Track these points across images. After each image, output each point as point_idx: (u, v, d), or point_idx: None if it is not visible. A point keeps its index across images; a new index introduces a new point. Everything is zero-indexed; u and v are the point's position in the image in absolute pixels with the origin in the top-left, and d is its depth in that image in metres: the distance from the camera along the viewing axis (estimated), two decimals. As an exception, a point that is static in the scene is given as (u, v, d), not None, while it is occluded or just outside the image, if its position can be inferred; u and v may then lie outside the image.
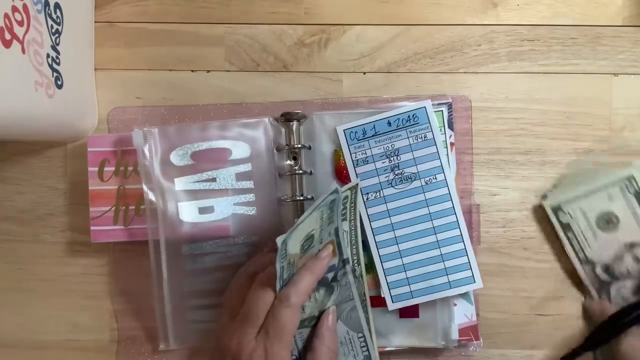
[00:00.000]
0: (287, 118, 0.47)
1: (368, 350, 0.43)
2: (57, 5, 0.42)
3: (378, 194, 0.45)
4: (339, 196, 0.42)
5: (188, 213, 0.46)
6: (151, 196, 0.45)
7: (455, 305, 0.46)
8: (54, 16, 0.42)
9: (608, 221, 0.45)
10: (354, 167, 0.46)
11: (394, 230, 0.45)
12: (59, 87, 0.42)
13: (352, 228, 0.44)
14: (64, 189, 0.50)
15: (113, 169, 0.46)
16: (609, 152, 0.48)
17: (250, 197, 0.46)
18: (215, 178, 0.46)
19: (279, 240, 0.40)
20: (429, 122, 0.45)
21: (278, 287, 0.38)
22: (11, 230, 0.50)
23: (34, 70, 0.39)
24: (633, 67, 0.48)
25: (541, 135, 0.49)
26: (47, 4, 0.41)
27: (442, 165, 0.45)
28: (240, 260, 0.46)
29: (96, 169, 0.46)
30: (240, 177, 0.46)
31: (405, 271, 0.45)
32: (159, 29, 0.49)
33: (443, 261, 0.45)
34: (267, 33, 0.49)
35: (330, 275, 0.41)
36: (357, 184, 0.44)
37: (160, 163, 0.46)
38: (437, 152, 0.45)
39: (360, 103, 0.48)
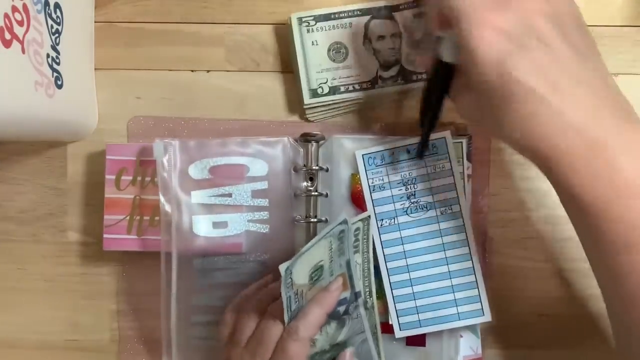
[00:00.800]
0: (305, 139, 0.47)
1: None
2: (57, 5, 0.42)
3: (393, 220, 0.45)
4: (349, 227, 0.41)
5: (202, 226, 0.46)
6: (167, 207, 0.45)
7: (461, 337, 0.46)
8: (54, 16, 0.42)
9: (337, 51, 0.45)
10: (370, 193, 0.46)
11: (406, 259, 0.45)
12: (59, 87, 0.42)
13: (365, 260, 0.44)
14: (64, 189, 0.50)
15: (130, 178, 0.46)
16: (609, 152, 0.48)
17: (265, 215, 0.46)
18: (231, 193, 0.46)
19: (282, 267, 0.40)
20: (448, 153, 0.45)
21: (286, 318, 0.39)
22: (11, 230, 0.50)
23: (34, 70, 0.39)
24: (633, 67, 0.49)
25: (541, 135, 0.49)
26: (47, 4, 0.41)
27: (458, 196, 0.45)
28: (250, 278, 0.46)
29: (113, 177, 0.46)
30: (256, 194, 0.46)
31: (414, 300, 0.45)
32: (159, 29, 0.49)
33: (453, 292, 0.45)
34: (267, 33, 0.49)
35: (341, 309, 0.41)
36: (368, 216, 0.44)
37: (178, 175, 0.46)
38: (454, 183, 0.45)
39: (382, 128, 0.48)
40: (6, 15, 0.35)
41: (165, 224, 0.45)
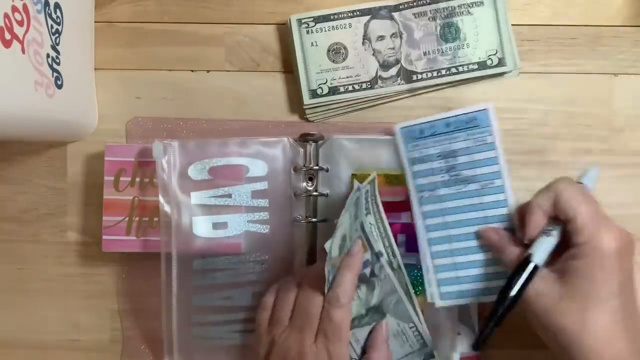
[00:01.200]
0: (305, 139, 0.47)
1: (422, 337, 0.43)
2: (57, 5, 0.42)
3: (433, 192, 0.44)
4: (361, 192, 0.42)
5: (202, 227, 0.46)
6: (167, 208, 0.45)
7: (459, 334, 0.46)
8: (54, 16, 0.42)
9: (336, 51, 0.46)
10: (410, 166, 0.44)
11: (447, 229, 0.44)
12: (59, 87, 0.42)
13: (378, 220, 0.44)
14: (64, 189, 0.50)
15: (129, 179, 0.46)
16: (609, 152, 0.48)
17: (265, 215, 0.46)
18: (231, 194, 0.46)
19: (327, 246, 0.40)
20: (491, 126, 0.43)
21: (326, 290, 0.39)
22: (12, 230, 0.50)
23: (34, 70, 0.39)
24: (633, 67, 0.49)
25: (541, 135, 0.49)
26: (47, 4, 0.41)
27: (501, 170, 0.44)
28: (250, 278, 0.46)
29: (112, 178, 0.46)
30: (255, 194, 0.46)
31: (456, 270, 0.44)
32: (159, 29, 0.49)
33: (496, 264, 0.44)
34: (267, 33, 0.49)
35: (367, 271, 0.41)
36: (374, 178, 0.44)
37: (177, 176, 0.46)
38: (497, 156, 0.43)
39: (382, 128, 0.48)
40: (6, 15, 0.35)
41: (165, 225, 0.45)
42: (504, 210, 0.44)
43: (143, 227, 0.46)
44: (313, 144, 0.47)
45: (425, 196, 0.45)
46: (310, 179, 0.48)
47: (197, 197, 0.46)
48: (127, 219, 0.46)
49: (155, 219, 0.46)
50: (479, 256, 0.44)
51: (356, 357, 0.42)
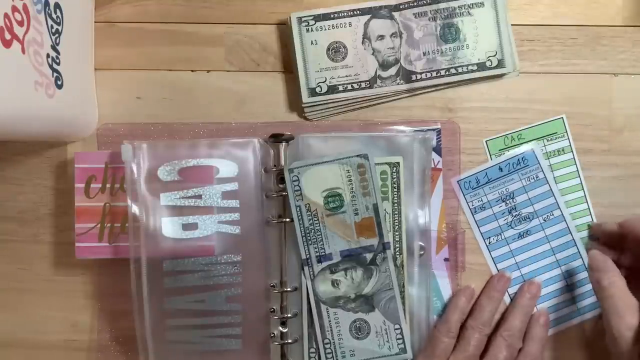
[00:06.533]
0: (275, 139, 0.47)
1: (404, 342, 0.44)
2: (57, 5, 0.42)
3: (499, 236, 0.48)
4: (370, 164, 0.41)
5: (171, 228, 0.45)
6: (135, 210, 0.45)
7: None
8: (54, 16, 0.42)
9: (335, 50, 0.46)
10: (473, 215, 0.48)
11: (519, 269, 0.48)
12: (59, 87, 0.42)
13: (396, 213, 0.44)
14: (64, 189, 0.50)
15: (99, 185, 0.46)
16: (609, 152, 0.48)
17: (236, 216, 0.46)
18: (201, 195, 0.46)
19: (286, 167, 0.40)
20: (539, 163, 0.47)
21: (298, 231, 0.41)
22: (11, 230, 0.50)
23: (34, 70, 0.39)
24: (633, 67, 0.49)
25: (541, 135, 0.49)
26: (47, 4, 0.41)
27: (557, 201, 0.47)
28: (222, 281, 0.46)
29: (83, 185, 0.46)
30: (226, 195, 0.46)
31: (535, 305, 0.47)
32: (159, 29, 0.49)
33: (571, 291, 0.47)
34: (267, 33, 0.49)
35: (368, 256, 0.42)
36: (398, 162, 0.44)
37: (147, 178, 0.45)
38: (551, 190, 0.47)
39: (351, 127, 0.48)
40: (6, 15, 0.35)
41: (134, 230, 0.45)
42: (567, 238, 0.47)
43: (115, 233, 0.46)
44: (284, 144, 0.47)
45: (492, 241, 0.48)
46: (282, 179, 0.47)
47: (166, 198, 0.45)
48: (98, 225, 0.46)
49: (127, 224, 0.46)
50: (553, 287, 0.48)
51: (330, 337, 0.42)
